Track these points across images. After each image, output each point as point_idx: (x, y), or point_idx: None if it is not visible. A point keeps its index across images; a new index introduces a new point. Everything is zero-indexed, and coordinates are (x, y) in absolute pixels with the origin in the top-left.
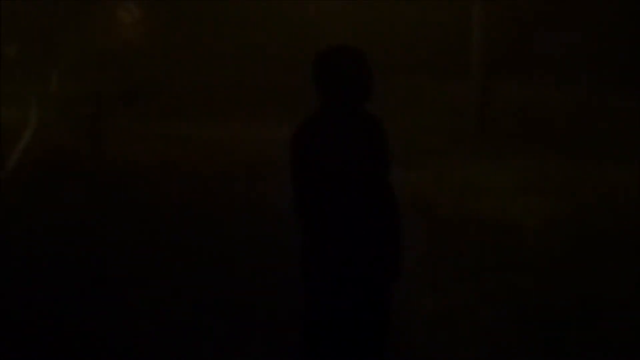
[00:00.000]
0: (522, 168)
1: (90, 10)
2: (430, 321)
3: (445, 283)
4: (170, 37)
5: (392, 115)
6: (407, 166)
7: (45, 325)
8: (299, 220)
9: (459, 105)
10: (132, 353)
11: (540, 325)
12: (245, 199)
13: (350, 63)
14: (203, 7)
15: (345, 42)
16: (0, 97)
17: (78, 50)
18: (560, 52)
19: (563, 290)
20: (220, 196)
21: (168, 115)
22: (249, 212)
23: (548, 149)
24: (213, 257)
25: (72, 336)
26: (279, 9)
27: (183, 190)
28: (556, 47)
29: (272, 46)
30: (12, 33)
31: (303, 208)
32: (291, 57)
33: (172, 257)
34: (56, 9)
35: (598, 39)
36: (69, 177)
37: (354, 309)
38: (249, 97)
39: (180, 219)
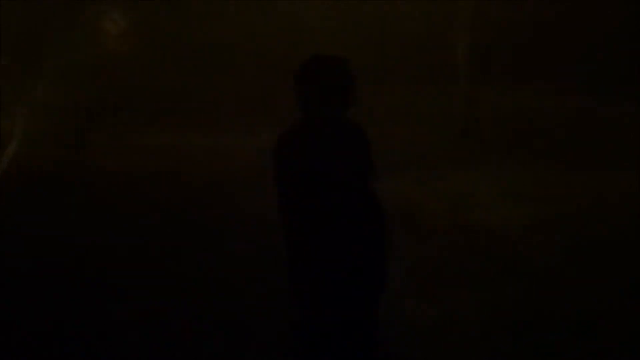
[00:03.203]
0: (507, 175)
1: (76, 22)
2: (418, 328)
3: (433, 290)
4: (157, 47)
5: (378, 124)
6: (392, 174)
7: (36, 336)
8: (284, 226)
9: (444, 113)
10: None
11: (531, 331)
12: (231, 205)
13: (331, 72)
14: (189, 18)
15: (332, 50)
16: None
17: (65, 61)
18: (543, 62)
19: (552, 296)
20: (207, 203)
21: (154, 124)
22: (235, 217)
23: (533, 156)
24: (200, 262)
25: (65, 343)
26: (265, 20)
27: (170, 198)
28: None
29: (258, 56)
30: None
31: (288, 214)
32: (276, 68)
33: (158, 262)
34: (42, 20)
35: (582, 50)
36: (55, 186)
37: (341, 314)
38: (235, 106)
39: (168, 226)
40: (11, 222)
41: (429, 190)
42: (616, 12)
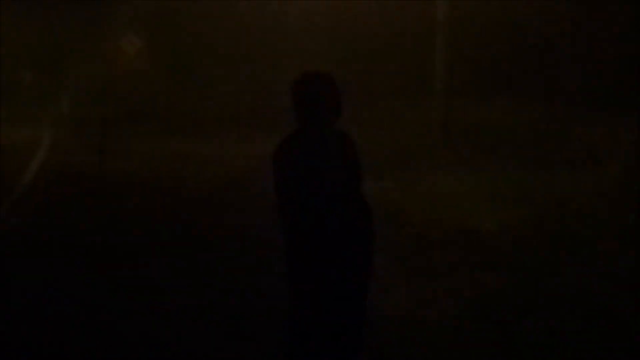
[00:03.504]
0: (481, 177)
1: (96, 41)
2: (401, 313)
3: (414, 280)
4: (169, 64)
5: (366, 132)
6: (378, 177)
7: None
8: (283, 224)
9: (424, 122)
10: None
11: (501, 317)
12: (235, 205)
13: (321, 88)
14: (198, 39)
15: (324, 68)
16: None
17: (87, 77)
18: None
19: (521, 286)
20: (214, 204)
21: (167, 134)
22: (240, 216)
23: (504, 160)
24: (209, 256)
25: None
26: (262, 43)
27: (180, 199)
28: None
29: (259, 72)
30: (27, 61)
31: (285, 213)
32: (275, 83)
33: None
34: (65, 39)
35: (547, 65)
36: (77, 188)
37: (334, 301)
38: (239, 117)
39: (177, 224)
40: (43, 216)
41: (409, 190)
42: (574, 33)
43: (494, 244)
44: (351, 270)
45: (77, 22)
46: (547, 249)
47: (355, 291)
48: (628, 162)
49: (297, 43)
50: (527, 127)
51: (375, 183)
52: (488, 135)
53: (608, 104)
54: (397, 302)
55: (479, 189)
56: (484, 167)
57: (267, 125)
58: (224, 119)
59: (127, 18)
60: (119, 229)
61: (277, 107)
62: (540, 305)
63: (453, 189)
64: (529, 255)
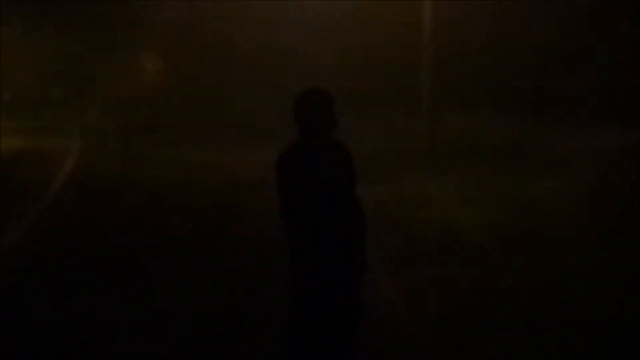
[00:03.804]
0: (463, 183)
1: (120, 60)
2: (389, 301)
3: (401, 272)
4: (184, 80)
5: (359, 141)
6: (370, 182)
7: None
8: (284, 225)
9: (412, 133)
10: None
11: (476, 306)
12: (244, 206)
13: (318, 102)
14: (210, 59)
15: (324, 84)
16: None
17: (111, 92)
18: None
19: (496, 279)
20: (225, 205)
21: (182, 143)
22: (248, 215)
23: (485, 167)
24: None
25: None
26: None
27: (193, 201)
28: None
29: (268, 88)
30: (57, 78)
31: (287, 215)
32: (281, 97)
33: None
34: (92, 59)
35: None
36: (102, 191)
37: (331, 294)
38: (249, 128)
39: (191, 223)
40: (75, 210)
41: (398, 194)
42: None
43: (475, 241)
44: (347, 265)
45: (102, 43)
46: (522, 246)
47: (350, 283)
48: (593, 169)
49: (301, 61)
50: (506, 138)
51: (368, 187)
52: (470, 145)
53: (580, 117)
54: (387, 291)
55: (462, 193)
56: (467, 173)
57: (273, 135)
58: (234, 130)
59: (147, 39)
60: (140, 223)
61: (283, 119)
62: (515, 295)
63: (438, 193)
64: (506, 251)
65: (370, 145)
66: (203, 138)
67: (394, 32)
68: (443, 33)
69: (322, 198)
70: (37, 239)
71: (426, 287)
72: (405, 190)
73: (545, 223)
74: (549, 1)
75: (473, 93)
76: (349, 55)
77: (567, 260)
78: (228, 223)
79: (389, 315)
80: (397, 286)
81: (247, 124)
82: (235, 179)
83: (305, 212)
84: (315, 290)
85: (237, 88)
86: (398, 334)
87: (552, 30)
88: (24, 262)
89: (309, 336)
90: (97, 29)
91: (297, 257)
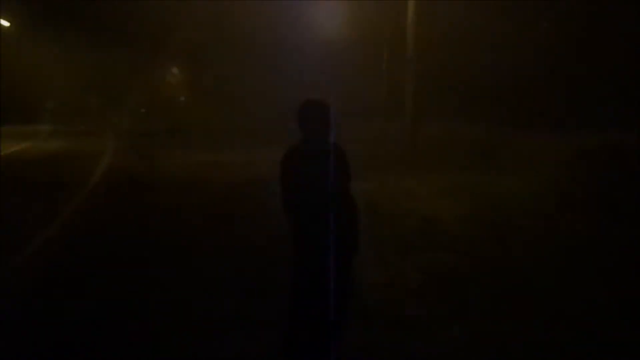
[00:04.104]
0: (440, 180)
1: (148, 74)
2: (375, 283)
3: (387, 257)
4: (203, 90)
5: (351, 144)
6: (361, 179)
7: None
8: (287, 214)
9: (396, 137)
10: None
11: (458, 292)
12: (255, 201)
13: (317, 111)
14: (226, 71)
15: (321, 94)
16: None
17: (139, 101)
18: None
19: (472, 263)
20: (238, 199)
21: (200, 144)
22: (259, 209)
23: (459, 167)
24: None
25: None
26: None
27: (211, 194)
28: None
29: (275, 97)
30: (93, 89)
31: (289, 206)
32: (286, 105)
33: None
34: (123, 73)
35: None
36: (133, 182)
37: (328, 273)
38: (259, 132)
39: (208, 215)
40: (110, 201)
41: (384, 188)
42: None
43: (449, 229)
44: (342, 247)
45: (133, 59)
46: (490, 234)
47: (344, 262)
48: (551, 168)
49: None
50: (478, 142)
51: (359, 183)
52: (446, 147)
53: (539, 125)
54: (374, 274)
55: (439, 188)
56: (443, 172)
57: (282, 137)
58: (249, 133)
59: (171, 56)
60: (165, 213)
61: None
62: (485, 276)
63: (418, 189)
64: (476, 238)
65: (363, 147)
66: (219, 140)
67: (380, 59)
68: (425, 50)
69: (319, 190)
70: (82, 219)
71: (407, 269)
72: (390, 185)
73: (510, 213)
74: (519, 25)
75: (450, 103)
76: (341, 70)
77: (529, 244)
78: (239, 212)
79: (373, 294)
80: (383, 268)
81: (258, 128)
82: (248, 174)
83: (303, 203)
84: (315, 267)
85: (249, 94)
86: (381, 310)
87: (521, 52)
88: (80, 231)
89: (308, 304)
90: (128, 48)
91: (299, 240)
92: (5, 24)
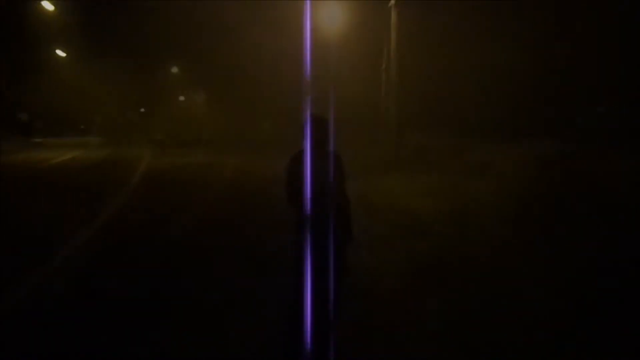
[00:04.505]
0: (419, 182)
1: (178, 94)
2: (363, 268)
3: (373, 244)
4: (222, 108)
5: (345, 151)
6: (354, 180)
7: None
8: (291, 208)
9: (383, 146)
10: None
11: (431, 272)
12: (264, 198)
13: (317, 124)
14: (240, 91)
15: (321, 111)
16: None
17: (170, 117)
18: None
19: (443, 250)
20: (247, 196)
21: (220, 151)
22: (266, 203)
23: (435, 171)
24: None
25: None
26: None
27: (223, 191)
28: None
29: (284, 112)
30: (133, 105)
31: (292, 202)
32: (292, 117)
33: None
34: (158, 93)
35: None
36: (168, 181)
37: (326, 260)
38: (267, 142)
39: (222, 208)
40: (144, 197)
41: (374, 188)
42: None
43: (427, 221)
44: (338, 236)
45: (169, 81)
46: (460, 226)
47: (339, 249)
48: (511, 173)
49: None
50: (451, 150)
51: (350, 183)
52: (424, 155)
53: (503, 135)
54: (363, 259)
55: (418, 188)
56: (421, 175)
57: (289, 145)
58: (258, 143)
59: (197, 79)
60: (193, 210)
61: (292, 134)
62: (456, 262)
63: (401, 188)
64: (449, 229)
65: (355, 154)
66: (237, 147)
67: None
68: (407, 71)
69: (320, 190)
70: (129, 210)
71: (392, 255)
72: (377, 185)
73: (478, 209)
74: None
75: (428, 118)
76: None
77: (494, 233)
78: (250, 206)
79: (362, 277)
80: (371, 254)
81: (271, 139)
82: (260, 176)
83: (305, 200)
84: (313, 252)
85: (265, 106)
86: (368, 291)
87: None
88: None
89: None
90: (165, 71)
91: (301, 231)
92: (62, 54)
